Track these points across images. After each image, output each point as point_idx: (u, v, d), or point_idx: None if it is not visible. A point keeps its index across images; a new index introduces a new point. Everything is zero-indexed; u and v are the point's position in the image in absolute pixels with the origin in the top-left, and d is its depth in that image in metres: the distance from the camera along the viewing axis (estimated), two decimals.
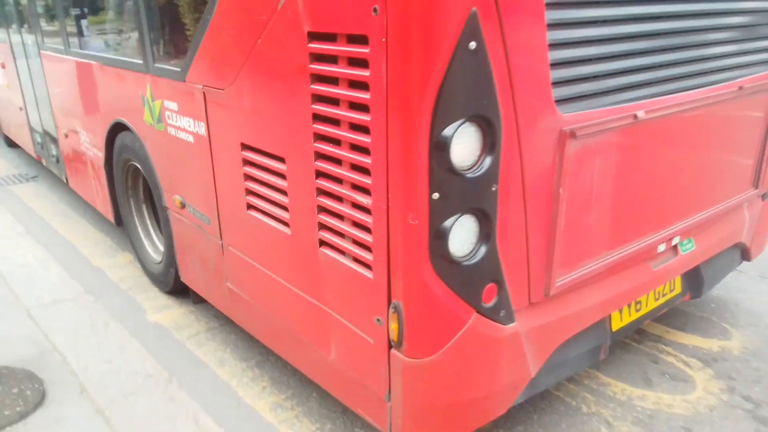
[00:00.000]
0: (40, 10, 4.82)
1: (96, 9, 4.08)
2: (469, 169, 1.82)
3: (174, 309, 3.73)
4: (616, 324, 2.82)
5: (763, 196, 3.50)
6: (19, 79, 5.77)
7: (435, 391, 2.12)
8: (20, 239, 4.70)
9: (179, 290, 3.80)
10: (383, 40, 1.68)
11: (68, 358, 3.23)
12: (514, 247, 2.08)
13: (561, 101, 2.00)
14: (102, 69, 3.83)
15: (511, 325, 2.16)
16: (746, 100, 2.89)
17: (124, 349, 3.33)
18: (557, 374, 2.56)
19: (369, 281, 2.06)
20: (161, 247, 3.93)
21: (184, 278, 3.63)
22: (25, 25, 5.24)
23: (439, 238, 1.85)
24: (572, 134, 2.02)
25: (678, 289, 3.18)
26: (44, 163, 5.83)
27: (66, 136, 4.96)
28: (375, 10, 1.67)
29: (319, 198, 2.18)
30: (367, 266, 2.05)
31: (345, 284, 2.21)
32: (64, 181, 5.40)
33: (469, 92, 1.73)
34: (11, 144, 7.27)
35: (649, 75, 2.36)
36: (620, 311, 2.83)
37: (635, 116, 2.25)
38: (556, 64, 1.95)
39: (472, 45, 1.66)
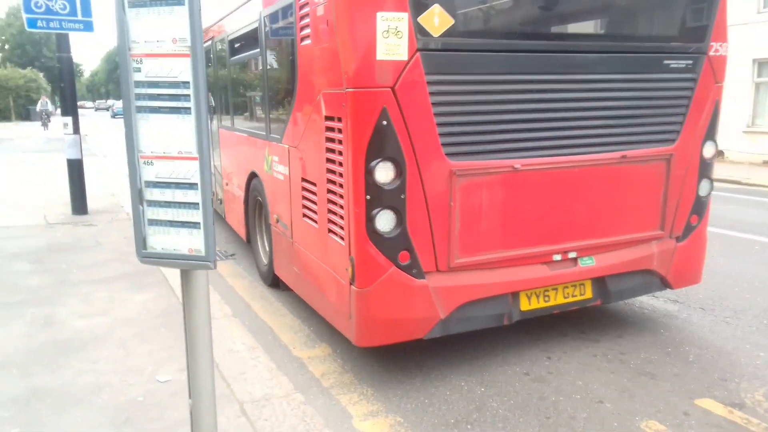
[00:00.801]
0: (221, 104, 7.60)
1: (245, 104, 6.56)
2: (386, 184, 3.49)
3: (380, 417, 3.54)
4: (525, 306, 4.13)
5: (678, 239, 4.60)
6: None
7: (372, 310, 3.66)
8: (228, 322, 4.74)
9: (275, 283, 5.60)
10: (347, 121, 3.46)
11: None
12: (422, 232, 3.64)
13: (450, 154, 3.61)
14: (247, 138, 6.17)
15: (422, 280, 3.71)
16: (636, 166, 4.22)
17: None
18: (465, 325, 3.94)
19: (343, 247, 3.72)
20: (268, 252, 5.75)
21: (277, 271, 5.43)
22: (213, 111, 7.97)
23: (370, 220, 3.50)
24: (458, 174, 3.64)
25: (588, 295, 4.36)
26: (213, 205, 7.60)
27: (226, 183, 7.51)
28: (343, 105, 3.47)
29: (328, 205, 3.89)
30: (342, 239, 3.72)
31: (335, 251, 3.88)
32: (222, 216, 7.98)
33: (383, 145, 3.43)
34: None
35: (533, 139, 3.88)
36: (528, 297, 4.14)
37: (514, 167, 3.80)
38: (446, 134, 3.58)
39: (384, 123, 3.40)
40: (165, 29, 2.04)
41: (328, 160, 3.80)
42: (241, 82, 6.64)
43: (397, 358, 4.29)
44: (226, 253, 7.22)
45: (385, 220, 3.54)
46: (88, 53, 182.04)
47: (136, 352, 4.23)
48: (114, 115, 54.75)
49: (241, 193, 6.52)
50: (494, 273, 3.94)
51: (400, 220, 3.57)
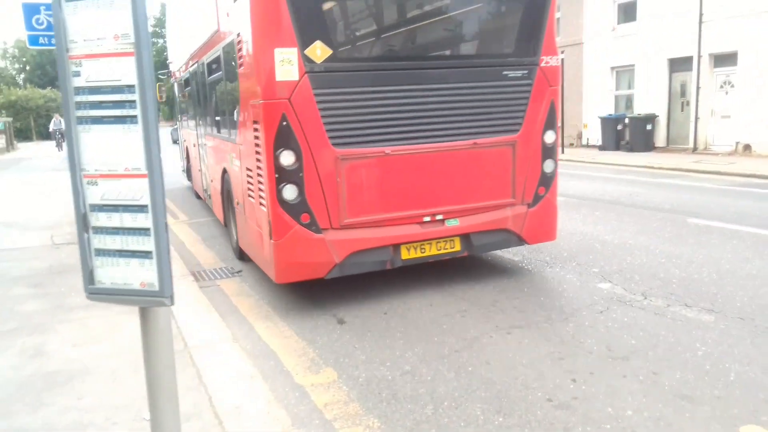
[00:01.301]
0: (204, 115, 9.02)
1: (216, 114, 7.77)
2: (288, 166, 4.86)
3: None
4: (405, 255, 5.40)
5: (528, 205, 5.81)
6: (199, 153, 10.12)
7: (284, 256, 5.02)
8: (228, 346, 4.47)
9: (242, 256, 6.90)
10: (254, 121, 5.11)
11: None
12: (317, 200, 4.97)
13: (335, 144, 4.99)
14: (220, 142, 7.49)
15: (320, 234, 5.05)
16: (486, 150, 5.51)
17: None
18: (356, 268, 5.23)
19: (265, 213, 5.11)
20: (235, 231, 7.01)
21: (240, 243, 6.74)
22: (200, 122, 9.50)
23: (279, 192, 4.88)
24: (341, 158, 5.00)
25: (457, 248, 5.60)
26: (205, 200, 10.02)
27: (211, 181, 8.74)
28: (259, 113, 4.93)
29: (258, 184, 5.30)
30: (264, 207, 5.10)
31: (262, 216, 5.26)
32: (210, 207, 9.43)
33: (284, 139, 4.82)
34: (198, 197, 11.75)
35: (399, 132, 5.18)
36: (408, 249, 5.39)
37: (385, 152, 5.15)
38: (331, 130, 4.97)
39: (284, 123, 4.79)
40: (105, 24, 1.73)
41: (255, 152, 5.20)
42: (213, 96, 7.99)
43: (406, 382, 3.94)
44: (233, 270, 6.93)
45: (289, 192, 4.93)
46: None
47: (125, 384, 3.92)
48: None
49: (219, 187, 7.88)
50: (376, 230, 5.25)
51: (301, 192, 4.94)
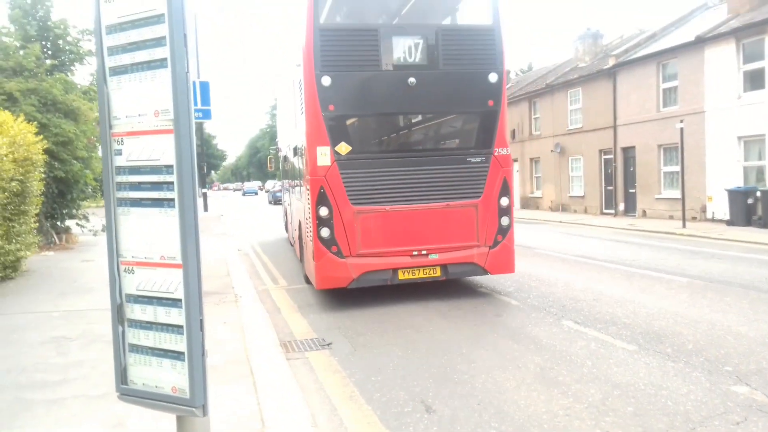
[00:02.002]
0: (291, 184, 12.94)
1: (294, 183, 11.97)
2: (324, 216, 7.85)
3: None
4: (401, 276, 8.00)
5: (490, 247, 8.24)
6: (287, 211, 14.61)
7: (321, 272, 8.00)
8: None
9: (308, 281, 9.42)
10: (307, 188, 8.23)
11: None
12: (342, 237, 7.84)
13: (353, 203, 7.87)
14: (297, 202, 10.95)
15: (343, 259, 7.88)
16: (457, 209, 8.10)
17: None
18: (367, 282, 7.96)
19: (311, 245, 8.19)
20: (304, 262, 9.85)
21: (305, 270, 9.50)
22: (289, 188, 13.94)
23: (318, 232, 7.86)
24: (357, 212, 7.89)
25: (438, 273, 8.13)
26: (293, 245, 12.65)
27: (295, 230, 11.78)
28: (308, 185, 8.16)
29: (308, 228, 8.52)
30: (312, 242, 8.16)
31: (310, 248, 8.38)
32: (290, 243, 13.70)
33: (322, 199, 7.83)
34: (291, 244, 13.76)
35: (396, 196, 7.96)
36: (403, 272, 7.99)
37: (386, 209, 7.95)
38: (351, 195, 7.86)
39: (322, 191, 7.81)
40: (147, 99, 1.58)
41: (308, 208, 8.17)
42: (292, 172, 12.25)
43: None
44: (323, 342, 6.70)
45: (324, 232, 7.76)
46: (232, 140, 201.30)
47: None
48: (244, 194, 69.07)
49: (296, 233, 11.16)
50: (380, 258, 7.94)
51: (332, 232, 7.74)
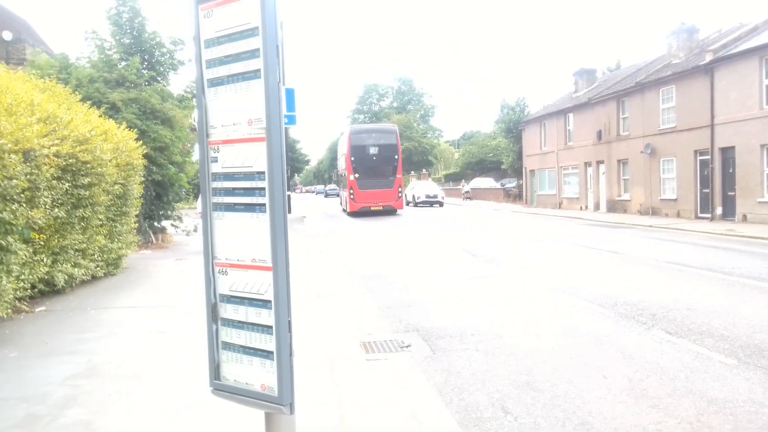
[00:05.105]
0: (339, 182, 42.38)
1: (342, 181, 37.57)
2: (351, 192, 32.60)
3: None
4: (373, 208, 33.36)
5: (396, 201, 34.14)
6: (341, 195, 39.63)
7: (350, 206, 32.81)
8: None
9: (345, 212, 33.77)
10: (350, 189, 32.34)
11: None
12: (355, 196, 32.32)
13: (359, 188, 32.12)
14: (342, 190, 37.87)
15: (355, 203, 33.19)
16: (388, 190, 32.61)
17: None
18: (361, 210, 32.37)
19: (347, 197, 34.86)
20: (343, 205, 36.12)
21: (342, 207, 37.01)
22: (338, 184, 43.42)
23: (350, 196, 32.79)
24: (359, 191, 32.40)
25: (381, 208, 32.43)
26: (343, 207, 35.66)
27: (341, 201, 38.86)
28: (349, 187, 32.82)
29: (345, 194, 35.05)
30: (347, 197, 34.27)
31: (347, 198, 34.49)
32: (343, 207, 36.14)
33: (351, 188, 33.03)
34: (343, 211, 35.35)
35: (370, 187, 32.91)
36: (369, 208, 32.74)
37: (367, 191, 32.65)
38: (358, 186, 31.96)
39: (351, 185, 32.50)
40: (242, 107, 1.67)
41: (346, 188, 32.91)
42: (343, 181, 35.26)
43: None
44: (402, 344, 6.71)
45: (351, 195, 31.33)
46: (315, 144, 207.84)
47: None
48: (326, 195, 77.76)
49: (342, 200, 36.31)
50: (364, 204, 30.75)
51: (353, 195, 31.01)
